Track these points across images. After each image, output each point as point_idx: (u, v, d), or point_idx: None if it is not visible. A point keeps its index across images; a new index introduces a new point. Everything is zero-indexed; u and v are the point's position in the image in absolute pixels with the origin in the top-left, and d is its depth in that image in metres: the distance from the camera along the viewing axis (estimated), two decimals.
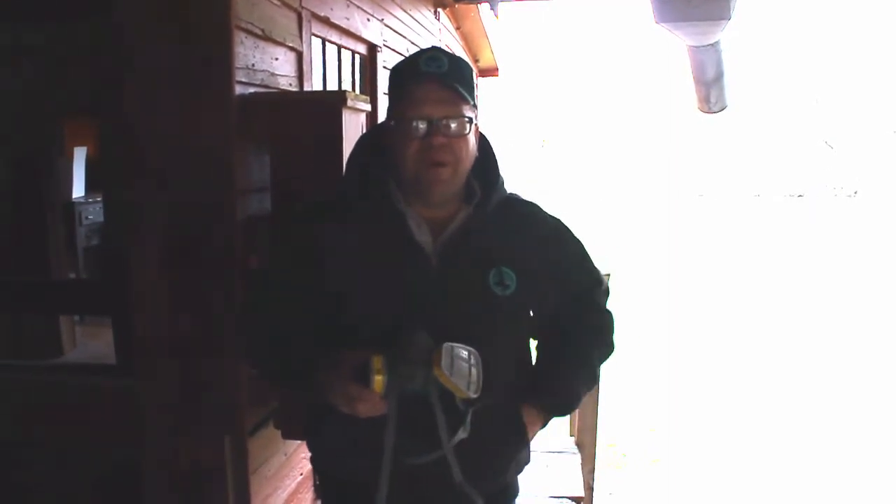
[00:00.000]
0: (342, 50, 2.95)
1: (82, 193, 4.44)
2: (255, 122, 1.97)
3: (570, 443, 3.42)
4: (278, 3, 2.20)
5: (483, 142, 1.47)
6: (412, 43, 3.82)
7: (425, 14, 4.27)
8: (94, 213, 4.32)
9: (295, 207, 1.79)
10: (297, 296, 1.40)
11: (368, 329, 1.34)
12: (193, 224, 1.89)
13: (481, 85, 6.31)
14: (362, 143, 1.52)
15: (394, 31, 3.54)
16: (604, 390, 3.19)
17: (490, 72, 6.40)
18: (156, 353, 1.93)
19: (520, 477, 1.54)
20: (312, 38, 2.49)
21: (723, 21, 3.75)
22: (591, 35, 25.04)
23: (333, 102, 1.98)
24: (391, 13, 3.48)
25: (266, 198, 2.06)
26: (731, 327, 7.80)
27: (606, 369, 1.61)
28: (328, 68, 2.82)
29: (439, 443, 1.28)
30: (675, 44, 4.49)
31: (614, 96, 23.31)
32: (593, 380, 1.52)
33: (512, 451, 1.46)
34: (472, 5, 5.01)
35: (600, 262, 1.60)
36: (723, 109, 5.85)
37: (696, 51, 4.61)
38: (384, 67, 3.28)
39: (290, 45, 2.28)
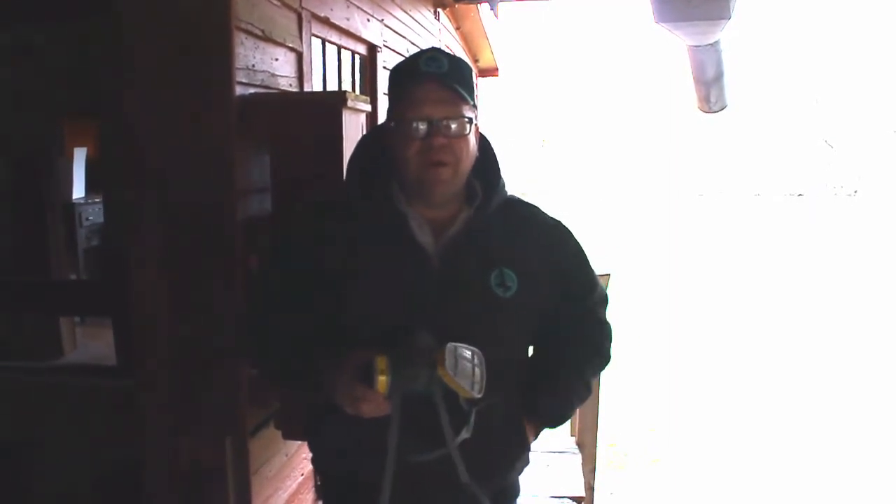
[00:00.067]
0: (342, 50, 2.95)
1: (82, 194, 4.44)
2: (256, 122, 1.97)
3: (571, 443, 3.42)
4: (278, 4, 2.20)
5: (484, 142, 1.47)
6: (412, 43, 3.82)
7: (425, 14, 4.27)
8: (95, 214, 4.32)
9: (295, 208, 1.79)
10: (297, 296, 1.40)
11: (369, 329, 1.34)
12: (193, 224, 1.89)
13: (481, 85, 6.32)
14: (363, 144, 1.52)
15: (394, 31, 3.54)
16: (604, 390, 3.19)
17: (490, 72, 6.40)
18: (156, 353, 1.93)
19: (521, 477, 1.54)
20: (312, 38, 2.49)
21: (723, 21, 3.75)
22: (590, 35, 25.05)
23: (334, 103, 1.98)
24: (391, 13, 3.48)
25: (266, 198, 2.06)
26: (731, 327, 7.80)
27: (607, 370, 1.60)
28: (328, 69, 2.82)
29: (443, 442, 1.28)
30: (675, 44, 4.49)
31: (614, 96, 23.30)
32: (587, 392, 1.52)
33: (515, 452, 1.47)
34: (471, 5, 5.01)
35: (600, 262, 1.60)
36: (723, 109, 5.85)
37: (695, 50, 4.61)
38: (384, 68, 3.28)
39: (291, 45, 2.28)
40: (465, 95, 1.35)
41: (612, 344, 1.55)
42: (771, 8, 20.59)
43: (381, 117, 1.89)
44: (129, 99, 1.89)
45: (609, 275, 2.97)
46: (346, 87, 3.04)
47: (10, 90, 2.98)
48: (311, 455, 1.55)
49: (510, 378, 1.40)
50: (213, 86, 1.86)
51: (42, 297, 2.97)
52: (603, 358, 1.54)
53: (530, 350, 1.52)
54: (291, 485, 2.33)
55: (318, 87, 2.60)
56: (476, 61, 6.12)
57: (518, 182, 16.25)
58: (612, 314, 1.58)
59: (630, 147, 22.86)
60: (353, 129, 2.01)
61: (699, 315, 8.33)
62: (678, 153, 22.10)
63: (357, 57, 3.15)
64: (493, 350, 1.26)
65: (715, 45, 4.48)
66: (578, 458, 3.31)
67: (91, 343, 3.43)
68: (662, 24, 3.74)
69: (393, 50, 3.49)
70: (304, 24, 2.39)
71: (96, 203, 4.30)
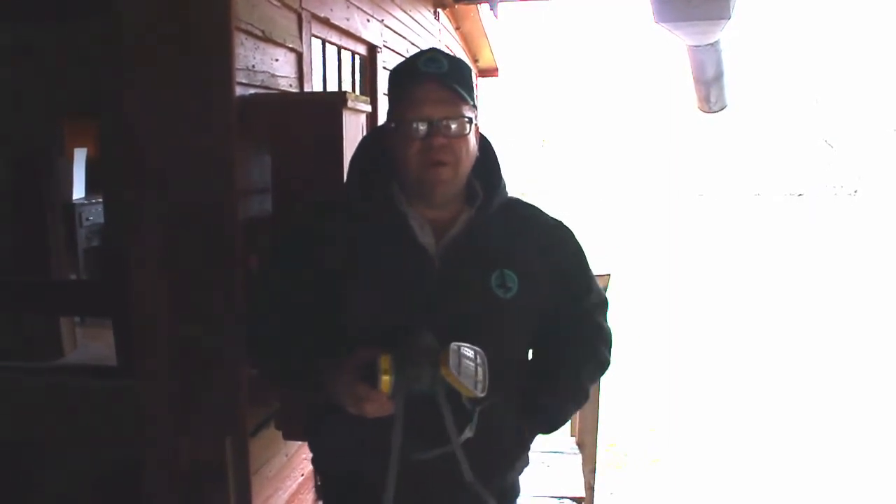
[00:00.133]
0: (342, 51, 2.96)
1: (83, 195, 4.44)
2: (256, 122, 1.97)
3: (571, 443, 3.42)
4: (278, 4, 2.20)
5: (484, 143, 1.47)
6: (412, 43, 3.82)
7: (425, 14, 4.27)
8: (95, 215, 4.33)
9: (295, 208, 1.79)
10: (297, 296, 1.40)
11: (369, 329, 1.34)
12: (193, 224, 1.89)
13: (481, 85, 6.32)
14: (364, 144, 1.52)
15: (394, 31, 3.54)
16: (604, 390, 3.20)
17: (490, 72, 6.40)
18: (156, 353, 1.93)
19: (521, 477, 1.54)
20: (312, 38, 2.49)
21: (723, 21, 3.75)
22: (590, 35, 25.09)
23: (334, 103, 1.98)
24: (391, 14, 3.48)
25: (267, 199, 2.06)
26: (731, 327, 7.80)
27: (607, 372, 1.60)
28: (328, 69, 2.82)
29: (446, 441, 1.28)
30: (675, 44, 4.49)
31: (614, 96, 23.29)
32: (584, 399, 1.52)
33: (515, 452, 1.47)
34: (471, 6, 5.01)
35: (600, 262, 1.60)
36: (723, 109, 5.85)
37: (695, 50, 4.61)
38: (384, 68, 3.28)
39: (291, 46, 2.28)
40: (465, 95, 1.35)
41: (612, 349, 1.53)
42: (771, 8, 20.60)
43: (382, 118, 1.89)
44: (129, 99, 1.89)
45: (609, 275, 2.98)
46: (346, 87, 3.04)
47: (10, 90, 2.98)
48: (311, 455, 1.55)
49: (510, 378, 1.40)
50: (213, 86, 1.86)
51: (42, 297, 2.97)
52: (600, 362, 1.52)
53: (530, 351, 1.52)
54: (291, 485, 2.33)
55: (318, 88, 2.61)
56: (476, 61, 6.12)
57: (518, 182, 16.25)
58: (612, 315, 1.57)
59: (630, 147, 22.84)
60: (354, 129, 2.01)
61: (699, 315, 8.33)
62: (678, 153, 22.09)
63: (357, 57, 3.15)
64: (493, 350, 1.26)
65: (715, 45, 4.48)
66: (578, 458, 3.31)
67: (91, 343, 3.43)
68: (662, 24, 3.74)
69: (393, 50, 3.49)
70: (304, 24, 2.39)
71: (96, 203, 4.30)
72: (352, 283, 1.36)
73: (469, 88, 1.37)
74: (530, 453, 1.53)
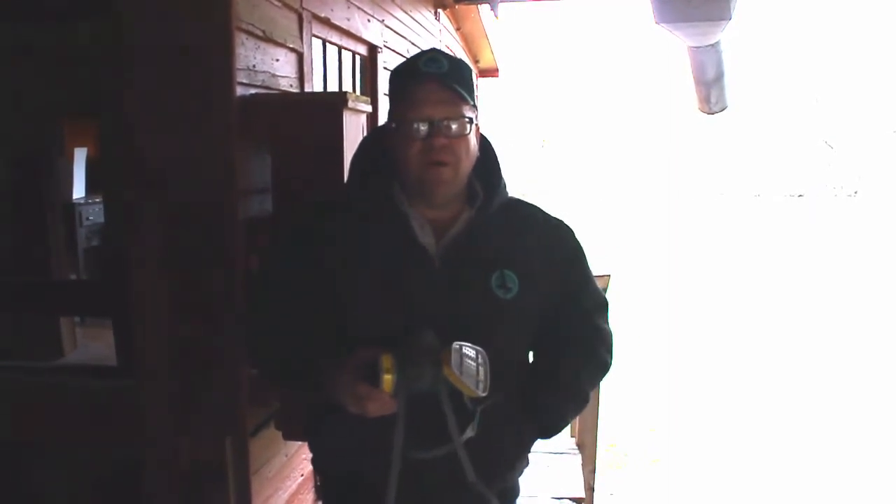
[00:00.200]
0: (343, 51, 2.95)
1: (83, 194, 4.44)
2: (256, 123, 1.97)
3: (571, 443, 3.42)
4: (279, 5, 2.20)
5: (484, 143, 1.47)
6: (412, 44, 3.82)
7: (425, 15, 4.27)
8: (95, 214, 4.33)
9: (296, 208, 1.79)
10: (297, 296, 1.40)
11: (370, 330, 1.34)
12: (193, 224, 1.89)
13: (481, 85, 6.32)
14: (364, 145, 1.52)
15: (394, 31, 3.54)
16: (604, 390, 3.19)
17: (490, 72, 6.41)
18: (156, 353, 1.93)
19: (521, 478, 1.54)
20: (313, 39, 2.49)
21: (723, 21, 3.75)
22: (590, 35, 24.99)
23: (334, 103, 1.98)
24: (391, 14, 3.48)
25: (267, 199, 2.06)
26: (731, 327, 7.80)
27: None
28: (329, 69, 2.82)
29: (448, 440, 1.28)
30: (675, 44, 4.49)
31: (614, 97, 23.28)
32: (584, 401, 1.52)
33: (515, 452, 1.47)
34: (472, 6, 5.01)
35: (601, 262, 1.60)
36: (723, 109, 5.85)
37: (696, 51, 4.62)
38: (385, 68, 3.28)
39: (291, 46, 2.28)
40: (466, 96, 1.35)
41: (612, 351, 1.52)
42: (771, 8, 20.59)
43: (382, 118, 1.89)
44: (129, 99, 1.89)
45: (609, 275, 2.97)
46: (347, 87, 3.04)
47: (10, 90, 2.98)
48: (311, 455, 1.55)
49: (510, 379, 1.40)
50: (213, 86, 1.86)
51: (42, 297, 2.97)
52: (599, 363, 1.51)
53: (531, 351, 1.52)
54: (291, 485, 2.33)
55: (318, 88, 2.60)
56: (476, 62, 6.12)
57: (518, 182, 16.23)
58: (612, 316, 1.57)
59: (630, 147, 22.85)
60: (354, 129, 2.01)
61: (699, 315, 8.33)
62: (678, 154, 22.09)
63: (357, 57, 3.15)
64: (493, 351, 1.26)
65: (715, 45, 4.48)
66: (578, 458, 3.31)
67: (91, 343, 3.43)
68: (663, 25, 3.74)
69: (393, 50, 3.49)
70: (305, 24, 2.39)
71: (96, 203, 4.31)
72: (351, 284, 1.36)
73: (469, 89, 1.37)
74: (530, 454, 1.53)
